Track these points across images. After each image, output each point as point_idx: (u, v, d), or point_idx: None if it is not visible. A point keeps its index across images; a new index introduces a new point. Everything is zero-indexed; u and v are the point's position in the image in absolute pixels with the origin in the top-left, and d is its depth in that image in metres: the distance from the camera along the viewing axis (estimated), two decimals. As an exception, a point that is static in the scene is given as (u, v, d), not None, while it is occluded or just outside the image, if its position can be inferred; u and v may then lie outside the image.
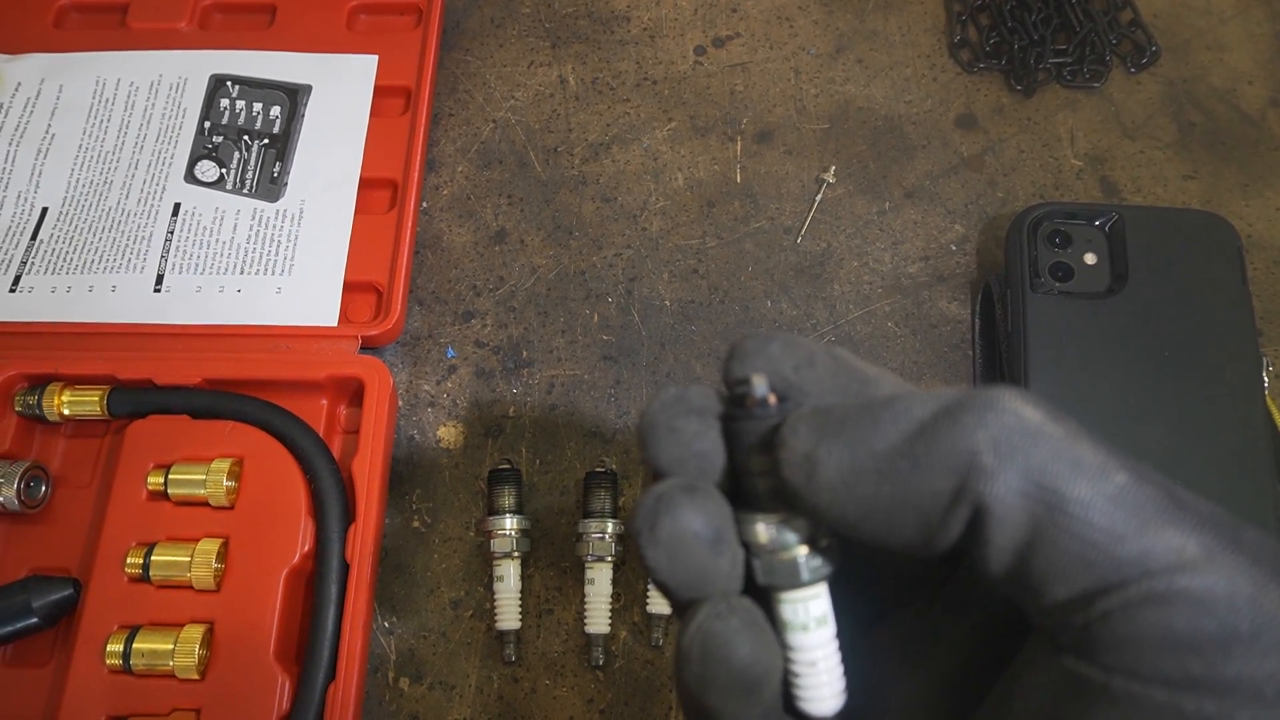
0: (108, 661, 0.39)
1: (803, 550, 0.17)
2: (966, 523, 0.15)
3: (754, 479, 0.17)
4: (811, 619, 0.18)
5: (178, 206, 0.50)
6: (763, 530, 0.18)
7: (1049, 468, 0.14)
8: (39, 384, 0.45)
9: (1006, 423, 0.15)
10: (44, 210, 0.50)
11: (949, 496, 0.15)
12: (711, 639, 0.17)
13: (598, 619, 0.42)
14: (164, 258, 0.49)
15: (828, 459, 0.16)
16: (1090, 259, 0.47)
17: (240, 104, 0.53)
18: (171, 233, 0.50)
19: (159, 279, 0.48)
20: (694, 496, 0.18)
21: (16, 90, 0.54)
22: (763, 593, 0.18)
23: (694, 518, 0.17)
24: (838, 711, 0.18)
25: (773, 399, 0.17)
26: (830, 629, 0.18)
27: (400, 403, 0.48)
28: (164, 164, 0.52)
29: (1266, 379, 0.45)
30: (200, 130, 0.53)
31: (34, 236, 0.50)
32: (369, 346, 0.48)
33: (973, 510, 0.15)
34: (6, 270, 0.49)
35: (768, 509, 0.17)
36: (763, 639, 0.18)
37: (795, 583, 0.18)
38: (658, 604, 0.43)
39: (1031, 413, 0.15)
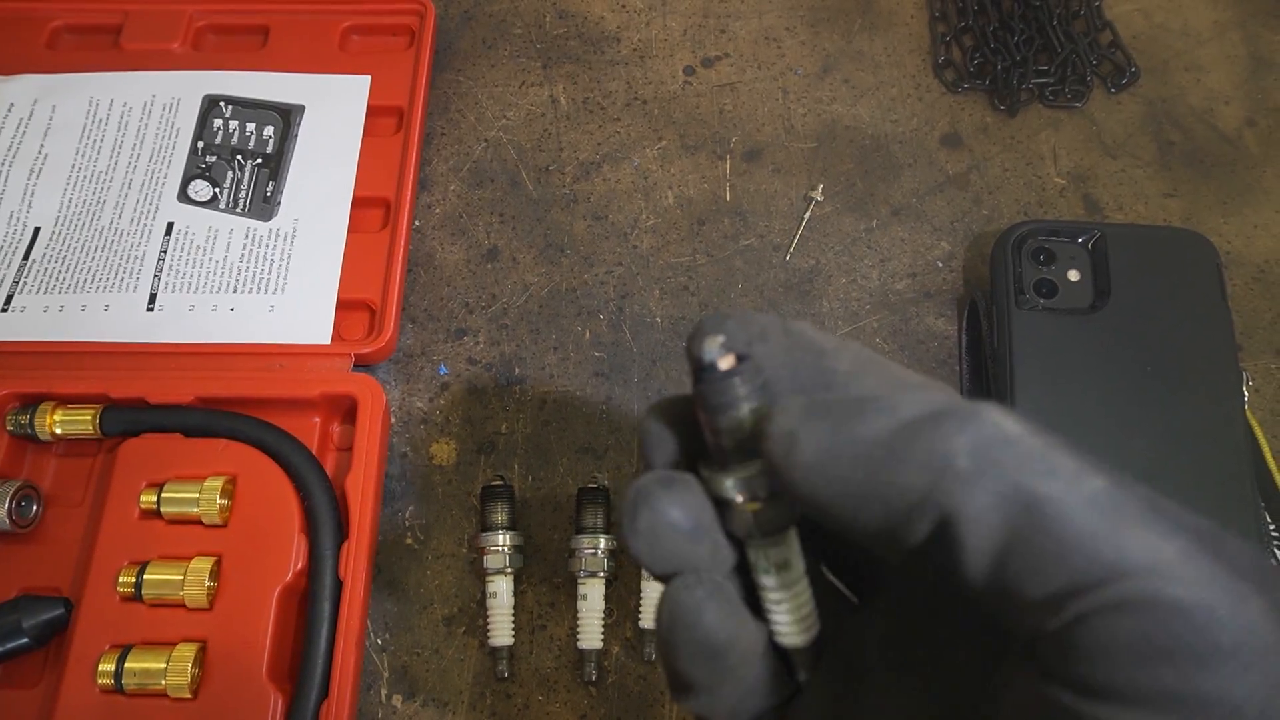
0: (99, 681, 0.39)
1: (755, 506, 0.19)
2: (933, 524, 0.15)
3: (718, 436, 0.19)
4: (772, 564, 0.19)
5: (171, 226, 0.51)
6: (723, 485, 0.19)
7: (1025, 470, 0.15)
8: (31, 403, 0.45)
9: (986, 433, 0.15)
10: (36, 230, 0.50)
11: (918, 495, 0.15)
12: (678, 607, 0.19)
13: (590, 634, 0.43)
14: (157, 277, 0.49)
15: (808, 437, 0.16)
16: (1074, 275, 0.48)
17: (233, 124, 0.54)
18: (164, 252, 0.50)
19: (152, 298, 0.48)
20: (671, 489, 0.19)
21: (9, 111, 0.54)
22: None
23: (670, 509, 0.19)
24: (808, 644, 0.20)
25: (725, 363, 0.18)
26: (793, 572, 0.20)
27: (393, 420, 0.48)
28: (157, 184, 0.52)
29: (1246, 393, 0.45)
30: (193, 150, 0.53)
31: (26, 256, 0.50)
32: (362, 364, 0.48)
33: (939, 513, 0.15)
34: (-2, 289, 0.49)
35: (730, 465, 0.19)
36: (728, 609, 0.19)
37: (752, 534, 0.19)
38: (650, 619, 0.43)
39: (1011, 425, 0.15)
